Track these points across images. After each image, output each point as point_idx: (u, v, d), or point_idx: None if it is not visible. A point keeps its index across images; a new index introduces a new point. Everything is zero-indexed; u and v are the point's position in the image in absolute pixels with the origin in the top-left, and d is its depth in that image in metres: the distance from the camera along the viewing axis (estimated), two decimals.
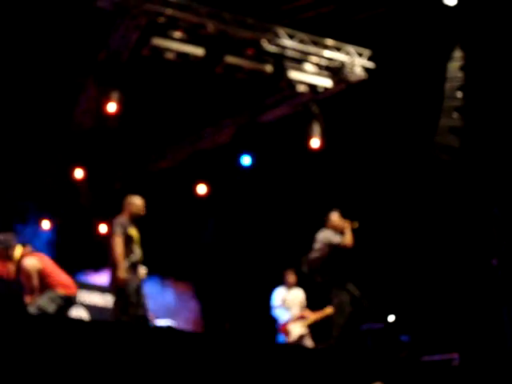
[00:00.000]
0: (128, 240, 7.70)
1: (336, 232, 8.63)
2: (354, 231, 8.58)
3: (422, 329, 10.45)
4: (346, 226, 8.59)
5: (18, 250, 7.23)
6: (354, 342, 9.55)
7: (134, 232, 7.82)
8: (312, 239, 8.79)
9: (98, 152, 11.76)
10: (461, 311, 10.33)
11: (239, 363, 6.34)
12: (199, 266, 12.54)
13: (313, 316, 9.63)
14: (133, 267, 7.65)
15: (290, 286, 9.71)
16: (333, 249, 8.55)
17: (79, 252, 12.39)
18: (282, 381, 6.54)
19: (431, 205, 10.70)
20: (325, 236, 8.65)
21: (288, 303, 9.63)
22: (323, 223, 8.76)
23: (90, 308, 8.18)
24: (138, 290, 7.62)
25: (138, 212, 7.95)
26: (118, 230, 7.68)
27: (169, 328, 8.02)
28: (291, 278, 9.71)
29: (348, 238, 8.53)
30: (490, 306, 9.79)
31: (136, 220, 7.90)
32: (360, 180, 11.62)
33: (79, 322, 6.94)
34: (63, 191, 12.34)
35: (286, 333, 9.48)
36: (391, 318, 10.45)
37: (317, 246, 8.68)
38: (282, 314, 9.58)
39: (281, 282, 9.78)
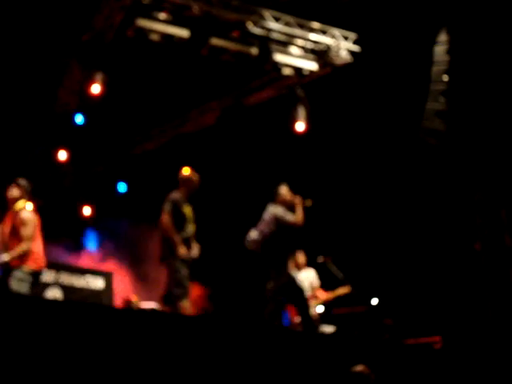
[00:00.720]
0: (180, 218, 7.72)
1: (286, 208, 8.04)
2: (306, 209, 8.02)
3: (404, 312, 10.51)
4: (297, 202, 8.02)
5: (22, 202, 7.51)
6: (338, 324, 9.60)
7: (187, 209, 7.82)
8: None
9: (81, 134, 11.66)
10: (444, 295, 10.40)
11: (226, 345, 6.35)
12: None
13: (324, 296, 9.59)
14: (185, 244, 7.67)
15: (299, 267, 9.59)
16: (281, 226, 7.97)
17: (62, 234, 12.34)
18: (265, 362, 6.56)
19: (416, 188, 10.73)
20: (275, 211, 8.04)
21: None
22: (272, 198, 8.21)
23: (68, 289, 8.13)
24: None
25: (194, 188, 7.95)
26: (168, 208, 7.73)
27: (152, 311, 8.01)
28: (301, 258, 9.63)
29: (299, 216, 7.93)
30: (473, 289, 9.86)
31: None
32: (345, 163, 11.63)
33: (54, 302, 6.90)
34: (46, 173, 12.25)
35: (295, 314, 9.36)
36: (374, 302, 10.50)
37: (265, 219, 8.10)
38: None
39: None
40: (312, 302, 9.39)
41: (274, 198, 8.22)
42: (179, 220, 7.76)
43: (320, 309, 9.65)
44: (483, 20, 9.46)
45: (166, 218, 7.73)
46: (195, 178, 8.06)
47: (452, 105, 9.71)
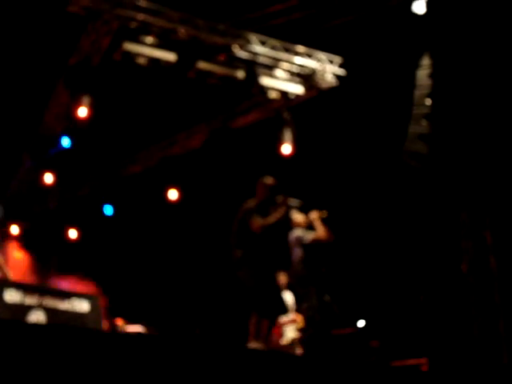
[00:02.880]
0: (247, 228, 7.50)
1: (304, 228, 8.04)
2: (325, 221, 7.95)
3: (391, 334, 10.53)
4: (314, 218, 8.01)
5: None
6: (325, 347, 9.59)
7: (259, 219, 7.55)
8: None
9: (67, 157, 11.68)
10: (430, 316, 10.42)
11: (214, 370, 6.33)
12: (173, 271, 12.50)
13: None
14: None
15: (282, 289, 9.61)
16: (306, 248, 7.91)
17: (47, 256, 12.32)
18: None
19: (401, 211, 10.79)
20: (295, 234, 8.00)
21: (291, 306, 9.46)
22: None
23: (52, 312, 8.07)
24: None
25: (269, 194, 7.76)
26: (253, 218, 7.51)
27: (138, 334, 7.98)
28: (283, 279, 9.61)
29: (321, 231, 7.91)
30: (459, 311, 9.90)
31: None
32: (331, 185, 11.68)
33: (36, 326, 6.84)
34: (32, 195, 12.25)
35: (279, 335, 9.38)
36: (361, 324, 10.51)
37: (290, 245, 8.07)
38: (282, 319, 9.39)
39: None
40: (293, 326, 9.42)
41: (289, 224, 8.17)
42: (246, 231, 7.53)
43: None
44: (465, 44, 9.59)
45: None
46: (271, 183, 7.86)
47: (434, 128, 9.80)
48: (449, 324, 10.02)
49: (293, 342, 9.30)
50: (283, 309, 9.00)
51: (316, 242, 7.86)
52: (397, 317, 10.81)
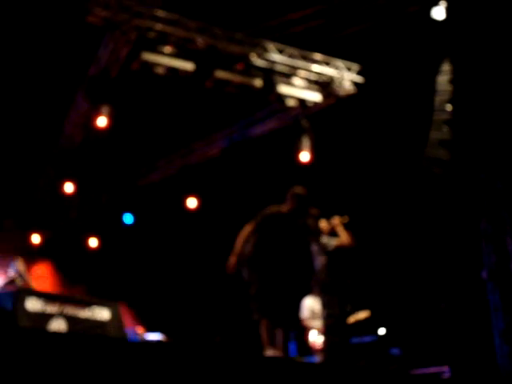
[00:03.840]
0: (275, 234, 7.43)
1: (328, 235, 8.08)
2: (346, 226, 8.00)
3: (412, 342, 10.45)
4: (336, 224, 8.06)
5: None
6: (345, 355, 9.54)
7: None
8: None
9: (87, 166, 11.75)
10: (452, 324, 10.35)
11: (234, 377, 6.32)
12: (193, 280, 12.51)
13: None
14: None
15: (317, 296, 9.44)
16: (330, 255, 7.95)
17: (68, 265, 12.39)
18: None
19: (422, 217, 10.73)
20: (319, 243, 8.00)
21: (317, 313, 9.03)
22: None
23: (73, 320, 8.10)
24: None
25: (299, 203, 7.62)
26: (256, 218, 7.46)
27: (159, 342, 8.00)
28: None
29: (344, 236, 7.96)
30: (481, 318, 9.81)
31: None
32: (350, 194, 11.65)
33: (57, 335, 6.87)
34: (53, 205, 12.33)
35: (316, 347, 9.23)
36: (382, 331, 10.45)
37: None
38: (311, 324, 9.19)
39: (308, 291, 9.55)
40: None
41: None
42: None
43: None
44: (485, 49, 9.54)
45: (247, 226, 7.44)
46: (302, 192, 7.75)
47: (456, 133, 9.75)
48: (470, 331, 9.94)
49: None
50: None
51: (339, 248, 7.92)
52: (418, 324, 10.74)
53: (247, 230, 7.49)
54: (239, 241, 7.45)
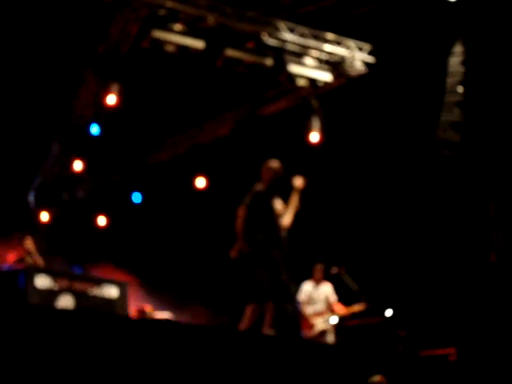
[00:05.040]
0: (262, 212, 7.21)
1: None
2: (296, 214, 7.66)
3: (419, 323, 10.46)
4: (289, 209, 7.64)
5: None
6: (352, 337, 9.57)
7: (269, 203, 7.28)
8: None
9: (97, 144, 11.73)
10: (459, 306, 10.34)
11: (241, 357, 6.33)
12: (201, 259, 12.51)
13: (340, 311, 9.56)
14: (266, 242, 7.15)
15: (317, 281, 9.58)
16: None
17: (77, 244, 12.41)
18: (280, 375, 6.54)
19: (431, 199, 10.69)
20: None
21: (313, 298, 9.50)
22: None
23: (81, 296, 8.12)
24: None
25: (274, 177, 7.41)
26: (245, 200, 7.27)
27: (166, 321, 8.02)
28: (318, 273, 9.61)
29: (286, 220, 7.54)
30: (488, 300, 9.80)
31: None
32: (360, 174, 11.61)
33: (65, 312, 6.89)
34: (61, 183, 12.33)
35: (308, 327, 9.40)
36: (389, 313, 10.45)
37: None
38: (305, 309, 9.48)
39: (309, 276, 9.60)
40: (324, 317, 9.40)
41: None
42: (263, 214, 7.24)
43: (334, 320, 9.62)
44: (498, 31, 9.45)
45: (239, 211, 7.24)
46: (277, 166, 7.56)
47: (467, 116, 9.69)
48: (478, 314, 9.93)
49: (322, 334, 9.31)
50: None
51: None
52: (425, 306, 10.73)
53: (243, 214, 7.25)
54: (239, 227, 7.22)
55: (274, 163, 7.57)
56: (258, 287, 7.24)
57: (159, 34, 9.39)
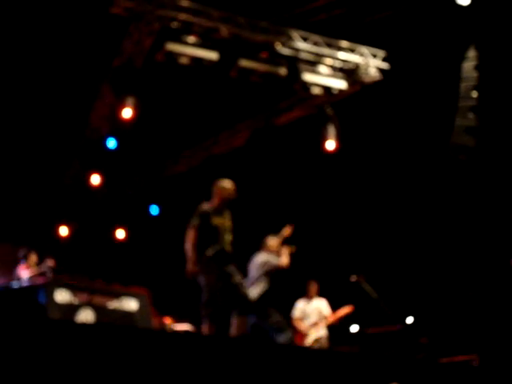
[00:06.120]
0: (210, 230, 7.38)
1: (273, 254, 8.35)
2: (291, 255, 8.32)
3: (440, 330, 10.40)
4: (284, 251, 8.32)
5: None
6: (371, 344, 9.53)
7: (218, 220, 7.45)
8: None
9: (114, 158, 11.79)
10: (480, 312, 10.27)
11: (253, 366, 6.33)
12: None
13: (329, 319, 9.60)
14: (217, 257, 7.35)
15: (310, 297, 9.66)
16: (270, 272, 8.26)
17: (96, 256, 12.47)
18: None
19: (449, 205, 10.65)
20: (262, 259, 8.33)
21: (307, 313, 9.59)
22: (259, 248, 8.49)
23: (101, 311, 8.15)
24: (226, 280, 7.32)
25: (228, 197, 7.59)
26: (193, 222, 7.42)
27: (186, 332, 8.02)
28: (313, 289, 9.67)
29: (285, 260, 8.24)
30: (510, 305, 9.73)
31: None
32: (376, 180, 11.59)
33: (86, 326, 6.92)
34: (80, 197, 12.40)
35: (303, 339, 9.45)
36: (410, 320, 10.40)
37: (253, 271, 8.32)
38: (300, 324, 9.53)
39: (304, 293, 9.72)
40: (317, 327, 9.41)
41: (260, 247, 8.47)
42: (209, 233, 7.43)
43: (354, 328, 9.63)
44: (511, 35, 9.41)
45: (189, 232, 7.45)
46: (228, 186, 7.71)
47: (482, 120, 9.65)
48: (499, 319, 9.86)
49: (316, 342, 9.35)
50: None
51: (277, 269, 8.28)
52: (446, 313, 10.67)
53: (192, 235, 7.40)
54: (190, 248, 7.38)
55: (229, 184, 7.73)
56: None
57: (173, 47, 9.43)
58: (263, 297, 8.21)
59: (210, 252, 7.36)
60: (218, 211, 7.52)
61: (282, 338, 7.97)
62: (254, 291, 8.17)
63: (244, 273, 8.07)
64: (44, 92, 10.60)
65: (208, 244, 7.38)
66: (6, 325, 5.35)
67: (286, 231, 8.45)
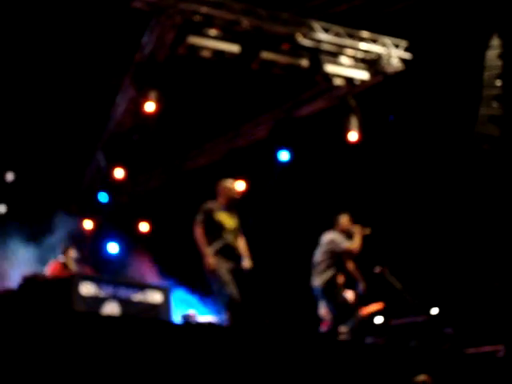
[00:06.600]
0: (214, 226, 7.51)
1: (344, 235, 8.28)
2: (364, 238, 8.22)
3: (466, 320, 10.34)
4: (357, 231, 8.22)
5: None
6: (398, 336, 9.50)
7: (223, 217, 7.59)
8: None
9: (137, 151, 11.84)
10: (506, 302, 10.20)
11: (278, 356, 6.35)
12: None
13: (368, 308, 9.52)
14: (221, 253, 7.46)
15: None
16: (338, 255, 8.22)
17: (120, 249, 12.55)
18: (325, 375, 6.55)
19: (473, 195, 10.58)
20: (332, 239, 8.27)
21: None
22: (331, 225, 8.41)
23: (126, 303, 8.20)
24: (231, 275, 7.41)
25: (231, 196, 7.72)
26: (198, 218, 7.56)
27: (209, 324, 8.06)
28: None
29: (356, 244, 8.17)
30: None
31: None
32: (399, 171, 11.53)
33: (109, 318, 6.98)
34: (104, 190, 12.47)
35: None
36: (435, 311, 10.35)
37: (321, 249, 8.31)
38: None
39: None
40: None
41: (332, 225, 8.38)
42: (213, 229, 7.56)
43: (379, 320, 9.58)
44: None
45: (195, 229, 7.56)
46: (232, 185, 7.85)
47: (506, 109, 9.56)
48: None
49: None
50: None
51: (346, 252, 8.25)
52: (471, 303, 10.61)
53: (199, 231, 7.51)
54: (202, 243, 7.47)
55: (232, 183, 7.86)
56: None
57: (195, 40, 9.45)
58: (330, 283, 8.16)
59: (214, 247, 7.46)
60: (223, 209, 7.64)
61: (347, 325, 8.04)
62: (319, 280, 8.20)
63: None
64: (67, 86, 10.66)
65: (212, 239, 7.49)
66: (32, 316, 5.42)
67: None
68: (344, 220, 8.37)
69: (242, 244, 7.70)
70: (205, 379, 5.85)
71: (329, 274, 8.24)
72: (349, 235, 8.29)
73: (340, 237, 8.27)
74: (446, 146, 10.86)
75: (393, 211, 11.73)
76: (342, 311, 8.21)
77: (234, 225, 7.68)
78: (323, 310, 9.36)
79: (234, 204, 7.75)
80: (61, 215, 11.66)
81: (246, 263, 7.66)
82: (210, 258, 7.40)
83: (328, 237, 8.33)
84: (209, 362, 5.93)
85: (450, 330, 9.70)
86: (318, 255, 8.33)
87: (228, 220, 7.65)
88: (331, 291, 8.25)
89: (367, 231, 8.28)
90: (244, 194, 12.52)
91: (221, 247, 7.50)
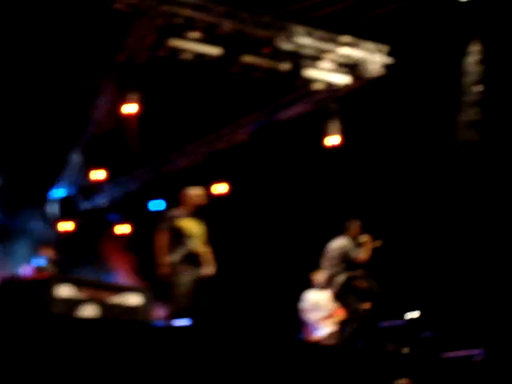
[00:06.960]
0: (176, 233, 7.58)
1: (354, 242, 8.31)
2: (373, 250, 8.24)
3: (445, 325, 10.38)
4: (367, 242, 8.25)
5: None
6: (376, 339, 9.51)
7: (186, 224, 7.64)
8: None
9: (116, 153, 11.80)
10: (485, 306, 10.26)
11: (255, 361, 6.34)
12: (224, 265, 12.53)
13: (343, 313, 9.49)
14: (186, 260, 7.53)
15: (322, 287, 9.46)
16: (348, 262, 8.23)
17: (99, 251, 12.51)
18: (305, 380, 6.54)
19: (454, 200, 10.63)
20: (342, 245, 8.29)
21: (320, 304, 9.16)
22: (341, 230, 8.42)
23: (105, 306, 8.15)
24: (193, 282, 7.48)
25: (195, 203, 7.79)
26: (161, 225, 7.62)
27: (186, 327, 8.02)
28: (321, 278, 9.47)
29: (366, 254, 8.20)
30: None
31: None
32: (380, 176, 11.57)
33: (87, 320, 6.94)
34: (82, 192, 12.43)
35: (311, 331, 9.31)
36: (415, 314, 10.38)
37: (330, 255, 8.34)
38: (312, 316, 9.32)
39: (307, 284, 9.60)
40: (330, 320, 9.27)
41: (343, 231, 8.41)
42: (178, 236, 7.62)
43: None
44: None
45: (157, 236, 7.64)
46: (196, 193, 7.91)
47: (485, 115, 9.63)
48: (505, 314, 9.86)
49: (329, 336, 9.24)
50: None
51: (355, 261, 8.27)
52: (451, 307, 10.66)
53: (159, 239, 7.57)
54: (162, 251, 7.52)
55: (197, 191, 7.90)
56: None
57: (176, 43, 9.44)
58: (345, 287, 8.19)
59: (176, 254, 7.52)
60: (186, 216, 7.68)
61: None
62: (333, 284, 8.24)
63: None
64: (47, 87, 10.60)
65: (176, 246, 7.54)
66: (9, 318, 5.37)
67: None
68: (355, 226, 8.38)
69: (206, 251, 7.70)
70: (184, 381, 5.83)
71: (342, 277, 8.25)
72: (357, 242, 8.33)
73: (351, 243, 8.30)
74: (426, 151, 10.91)
75: (372, 215, 11.75)
76: (352, 316, 8.28)
77: (200, 231, 7.71)
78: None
79: (199, 211, 7.80)
80: (36, 217, 11.60)
81: (210, 270, 7.67)
82: (165, 268, 7.45)
83: (340, 242, 8.34)
84: (187, 363, 5.91)
85: (430, 333, 9.74)
86: (329, 260, 8.33)
87: (193, 227, 7.68)
88: (345, 295, 8.29)
89: (378, 244, 8.30)
90: (225, 196, 12.56)
91: (185, 254, 7.54)
